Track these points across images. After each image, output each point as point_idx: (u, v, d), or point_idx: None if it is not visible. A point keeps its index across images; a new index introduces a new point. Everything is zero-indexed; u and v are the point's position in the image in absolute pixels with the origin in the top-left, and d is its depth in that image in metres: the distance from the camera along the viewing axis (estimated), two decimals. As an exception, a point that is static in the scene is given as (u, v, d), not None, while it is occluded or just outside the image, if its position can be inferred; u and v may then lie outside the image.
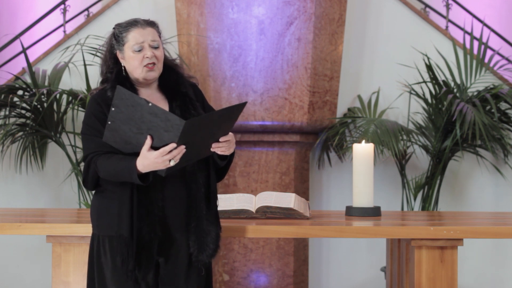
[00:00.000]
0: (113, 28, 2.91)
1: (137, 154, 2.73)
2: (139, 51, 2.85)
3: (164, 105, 2.90)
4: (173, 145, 2.65)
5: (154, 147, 2.69)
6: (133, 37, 2.85)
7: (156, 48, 2.87)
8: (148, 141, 2.68)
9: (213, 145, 2.78)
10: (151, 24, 2.91)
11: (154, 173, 2.75)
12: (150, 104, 2.61)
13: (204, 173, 2.88)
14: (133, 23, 2.88)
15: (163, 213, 2.82)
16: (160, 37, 2.92)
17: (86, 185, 2.88)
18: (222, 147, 2.80)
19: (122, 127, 2.69)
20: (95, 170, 2.80)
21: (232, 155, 2.95)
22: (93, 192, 2.96)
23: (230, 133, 2.81)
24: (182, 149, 2.67)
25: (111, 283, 2.82)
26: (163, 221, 2.82)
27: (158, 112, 2.62)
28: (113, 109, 2.67)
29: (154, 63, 2.86)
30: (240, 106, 2.75)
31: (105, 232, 2.83)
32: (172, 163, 2.68)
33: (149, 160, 2.68)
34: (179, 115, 2.84)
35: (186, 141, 2.66)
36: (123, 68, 2.89)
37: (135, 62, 2.85)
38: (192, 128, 2.64)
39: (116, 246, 2.80)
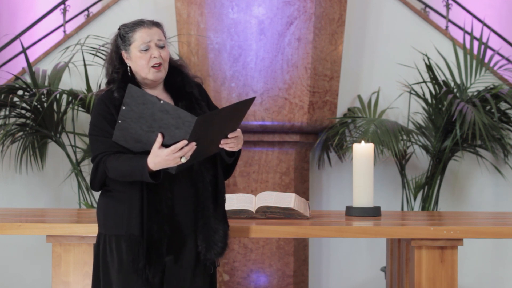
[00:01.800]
0: (119, 28, 2.92)
1: (147, 153, 2.73)
2: (146, 50, 2.86)
3: None
4: (184, 142, 2.66)
5: (164, 145, 2.69)
6: (140, 37, 2.86)
7: (162, 48, 2.88)
8: (159, 139, 2.68)
9: (222, 141, 2.79)
10: (157, 24, 2.92)
11: (163, 172, 2.76)
12: (161, 102, 2.62)
13: (211, 172, 2.88)
14: (139, 23, 2.89)
15: (172, 211, 2.83)
16: (165, 37, 2.93)
17: (93, 186, 2.88)
18: (231, 143, 2.81)
19: (132, 126, 2.70)
20: (104, 171, 2.81)
21: (239, 152, 2.96)
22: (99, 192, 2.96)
23: (238, 129, 2.82)
24: (193, 146, 2.68)
25: (116, 282, 2.82)
26: (172, 219, 2.83)
27: (169, 109, 2.63)
28: (123, 107, 2.67)
29: (160, 64, 2.86)
30: (249, 102, 2.76)
31: (112, 231, 2.84)
32: (183, 160, 2.68)
33: (160, 157, 2.69)
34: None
35: (196, 138, 2.67)
36: (128, 68, 2.90)
37: (142, 62, 2.86)
38: (203, 124, 2.65)
39: (126, 246, 2.80)
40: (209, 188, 2.87)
